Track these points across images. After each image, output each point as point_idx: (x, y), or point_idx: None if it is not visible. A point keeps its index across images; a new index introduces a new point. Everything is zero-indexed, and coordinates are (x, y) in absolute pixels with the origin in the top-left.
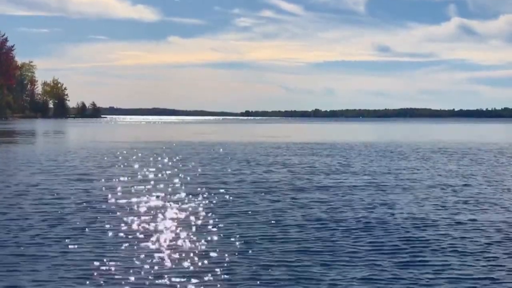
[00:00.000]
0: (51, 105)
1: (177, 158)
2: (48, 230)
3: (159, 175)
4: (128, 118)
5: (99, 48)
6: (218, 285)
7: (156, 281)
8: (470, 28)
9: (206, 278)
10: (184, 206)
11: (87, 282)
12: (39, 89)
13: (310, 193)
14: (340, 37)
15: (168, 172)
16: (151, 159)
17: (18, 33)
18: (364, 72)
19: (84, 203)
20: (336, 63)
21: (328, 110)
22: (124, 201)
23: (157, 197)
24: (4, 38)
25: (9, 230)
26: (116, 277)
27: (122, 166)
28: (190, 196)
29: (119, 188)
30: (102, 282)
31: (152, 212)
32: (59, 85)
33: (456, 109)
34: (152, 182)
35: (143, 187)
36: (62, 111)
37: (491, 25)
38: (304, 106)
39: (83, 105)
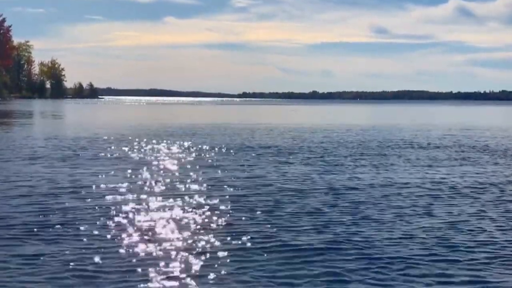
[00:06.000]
0: (48, 86)
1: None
2: (46, 221)
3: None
4: (135, 99)
5: (96, 28)
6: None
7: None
8: (468, 10)
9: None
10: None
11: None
12: (36, 69)
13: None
14: (338, 19)
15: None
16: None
17: (13, 13)
18: (361, 54)
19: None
20: (333, 44)
21: (325, 92)
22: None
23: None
24: (3, 18)
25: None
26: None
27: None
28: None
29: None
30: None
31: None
32: (56, 65)
33: (454, 91)
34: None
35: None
36: (59, 91)
37: (489, 7)
38: (301, 88)
39: (80, 85)
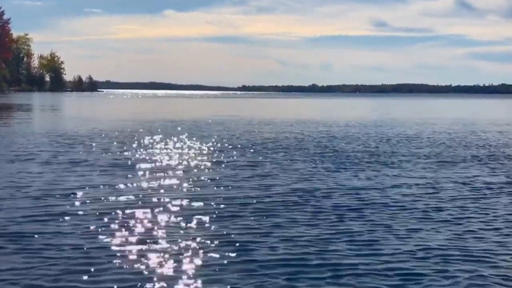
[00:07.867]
0: (47, 79)
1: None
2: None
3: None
4: (136, 92)
5: (95, 21)
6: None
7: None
8: (468, 3)
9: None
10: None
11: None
12: (35, 62)
13: None
14: (337, 12)
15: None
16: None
17: (12, 6)
18: (361, 47)
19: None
20: (332, 37)
21: (325, 85)
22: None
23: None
24: (2, 11)
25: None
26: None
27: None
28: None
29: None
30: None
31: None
32: (55, 58)
33: (453, 85)
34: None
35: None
36: (58, 84)
37: (489, 0)
38: (300, 81)
39: (80, 78)
